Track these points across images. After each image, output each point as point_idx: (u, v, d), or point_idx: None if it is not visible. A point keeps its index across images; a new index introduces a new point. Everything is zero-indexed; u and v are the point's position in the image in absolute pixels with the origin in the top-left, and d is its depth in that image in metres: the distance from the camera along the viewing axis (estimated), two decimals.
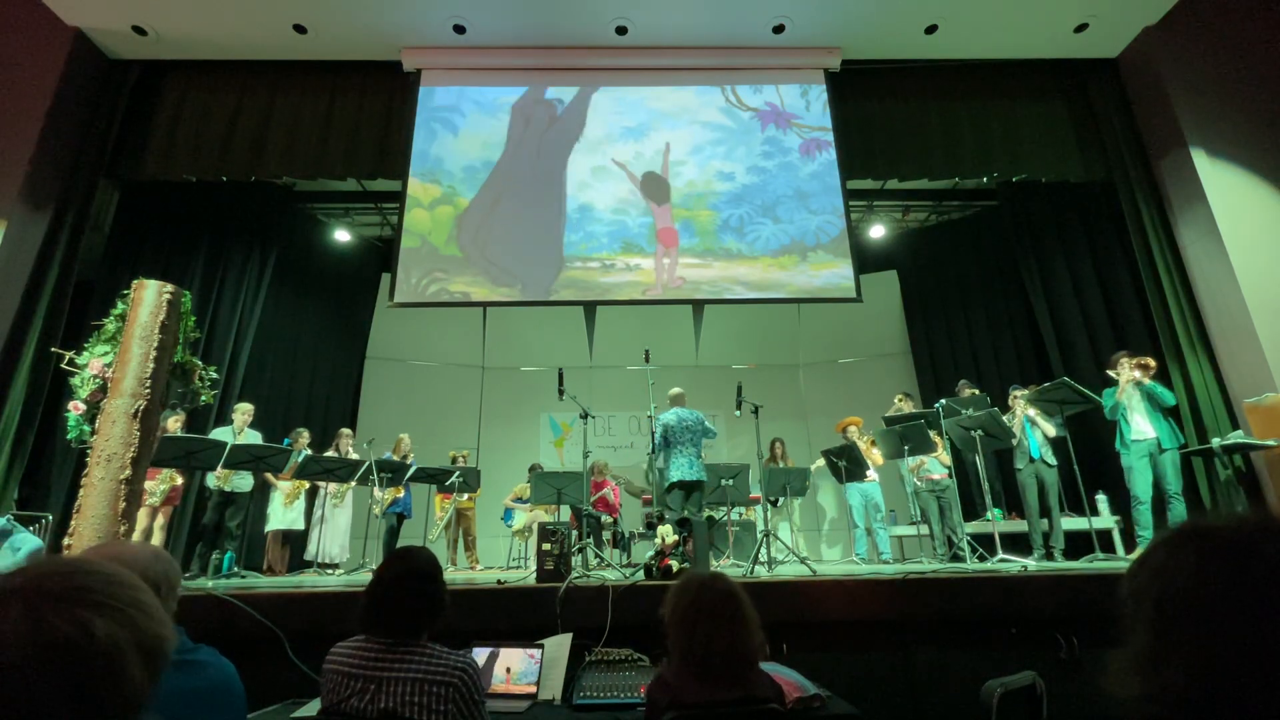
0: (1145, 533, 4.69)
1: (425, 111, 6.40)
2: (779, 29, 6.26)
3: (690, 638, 1.54)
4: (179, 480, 5.36)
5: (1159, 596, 0.59)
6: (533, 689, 2.29)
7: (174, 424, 5.22)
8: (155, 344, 3.29)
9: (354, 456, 5.98)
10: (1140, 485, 4.72)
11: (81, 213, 5.81)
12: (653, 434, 5.08)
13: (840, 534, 8.39)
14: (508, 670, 2.35)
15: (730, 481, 5.02)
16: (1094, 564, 4.25)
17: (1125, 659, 0.60)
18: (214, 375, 4.24)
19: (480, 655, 2.35)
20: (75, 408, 3.69)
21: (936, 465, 5.67)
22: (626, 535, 6.48)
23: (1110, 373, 5.04)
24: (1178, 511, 4.59)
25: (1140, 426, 4.82)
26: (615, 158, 6.33)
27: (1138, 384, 4.86)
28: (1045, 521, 5.22)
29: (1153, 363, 4.98)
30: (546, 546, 3.37)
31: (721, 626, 1.53)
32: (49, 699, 0.56)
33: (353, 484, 6.02)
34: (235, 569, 5.04)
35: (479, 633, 2.59)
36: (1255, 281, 5.26)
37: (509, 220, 6.17)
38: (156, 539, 5.22)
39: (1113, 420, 4.96)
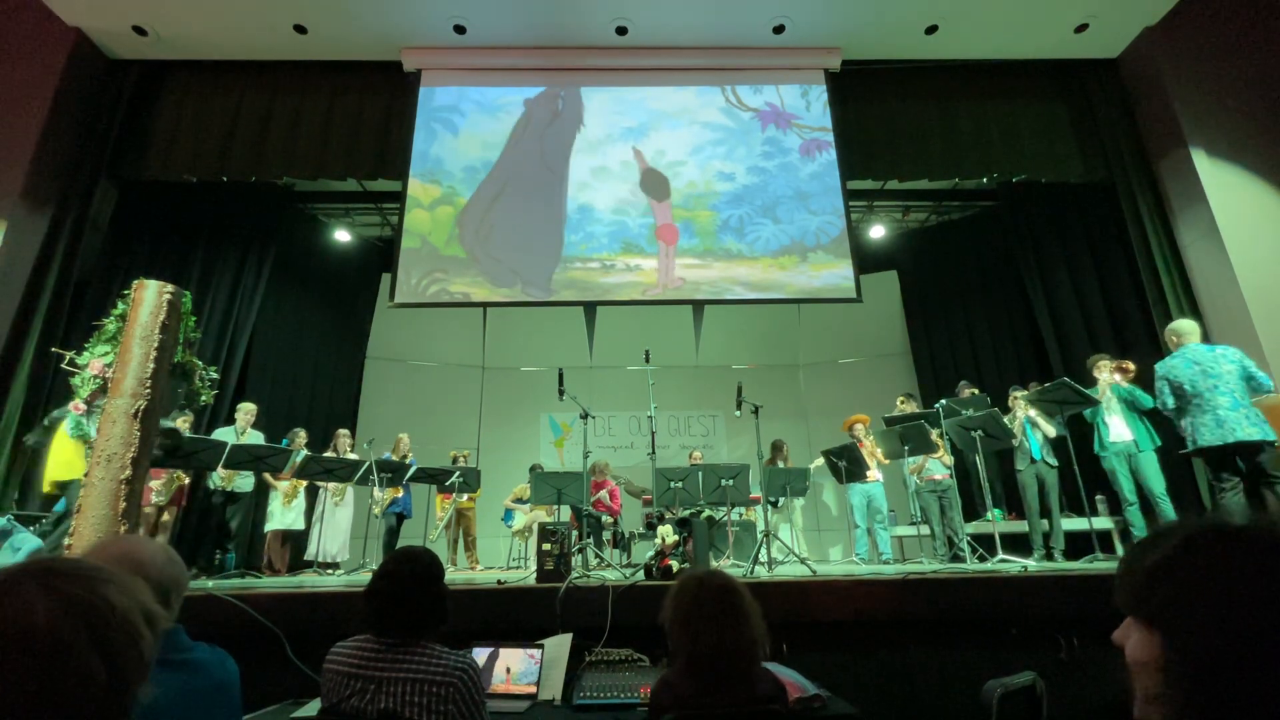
0: (1139, 533, 4.71)
1: (425, 112, 6.40)
2: (779, 29, 6.26)
3: (694, 639, 1.53)
4: (185, 480, 5.37)
5: (1181, 599, 0.59)
6: (533, 689, 2.29)
7: (181, 424, 5.22)
8: (155, 344, 3.29)
9: (353, 457, 5.98)
10: (1125, 487, 4.77)
11: (81, 213, 5.81)
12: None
13: (841, 534, 8.39)
14: (508, 670, 2.35)
15: (730, 481, 5.02)
16: (1094, 564, 4.24)
17: (1141, 650, 0.60)
18: (214, 375, 4.25)
19: (480, 655, 2.35)
20: (76, 408, 3.70)
21: (938, 466, 5.67)
22: (626, 535, 6.48)
23: (1096, 376, 5.03)
24: (1165, 512, 4.58)
25: (1118, 429, 4.84)
26: (624, 158, 6.28)
27: (1117, 386, 4.87)
28: (1045, 522, 5.22)
29: (1131, 366, 4.99)
30: (546, 546, 3.37)
31: (723, 623, 1.52)
32: (84, 656, 0.60)
33: (352, 483, 6.02)
34: (235, 569, 5.04)
35: (479, 633, 2.60)
36: (1255, 281, 5.26)
37: (509, 219, 6.17)
38: (160, 539, 5.22)
39: (1091, 423, 4.97)
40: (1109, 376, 4.94)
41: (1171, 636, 0.58)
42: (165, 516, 5.27)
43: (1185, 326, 4.41)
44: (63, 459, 4.20)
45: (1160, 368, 4.34)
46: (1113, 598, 0.66)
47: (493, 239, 6.08)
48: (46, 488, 4.23)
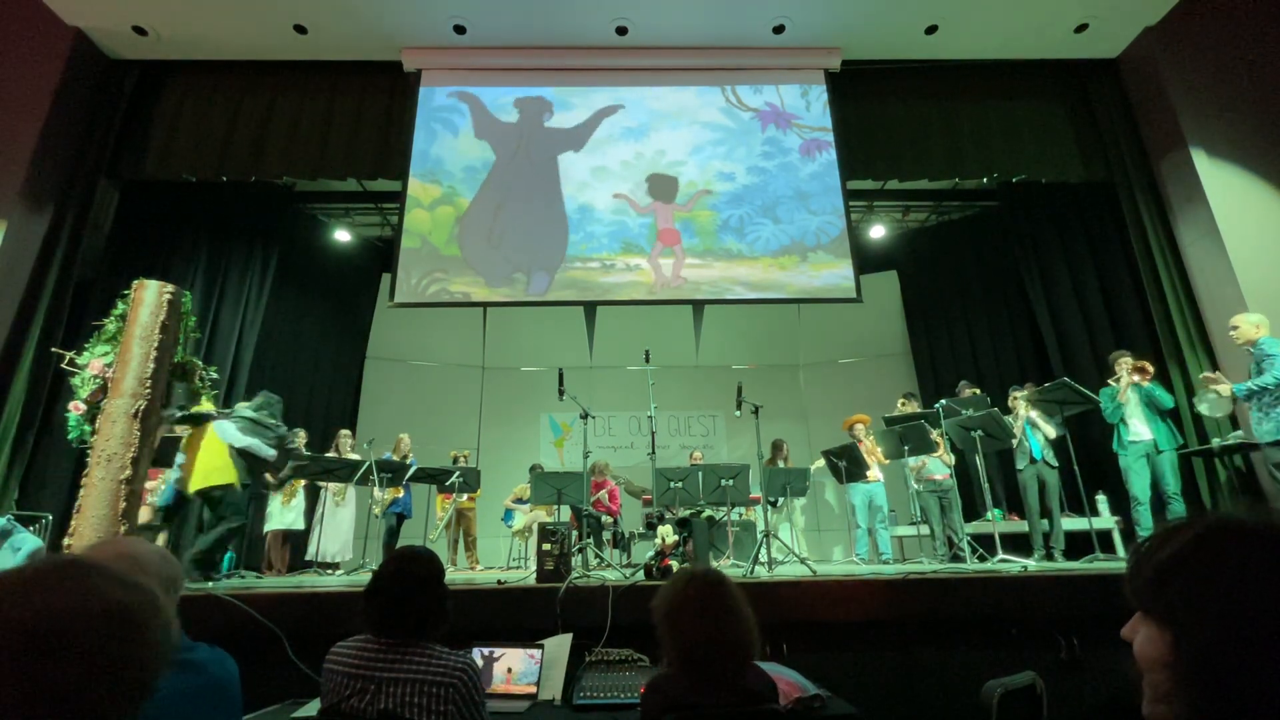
0: (1145, 533, 4.68)
1: (425, 112, 6.40)
2: (779, 29, 6.26)
3: (681, 633, 1.51)
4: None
5: (1192, 596, 0.58)
6: (533, 689, 2.29)
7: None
8: (155, 344, 3.29)
9: (354, 457, 5.98)
10: (1138, 486, 4.75)
11: (81, 213, 5.81)
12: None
13: (841, 534, 8.39)
14: (508, 670, 2.35)
15: (730, 481, 5.02)
16: (1094, 564, 4.24)
17: (1150, 647, 0.59)
18: (214, 375, 4.25)
19: (480, 655, 2.35)
20: (75, 408, 3.70)
21: (938, 466, 5.67)
22: (626, 535, 6.48)
23: (1111, 381, 5.04)
24: (1176, 512, 4.59)
25: (1138, 428, 4.83)
26: (617, 191, 6.26)
27: (1137, 386, 4.87)
28: (1045, 522, 5.22)
29: (1150, 366, 5.00)
30: (546, 546, 3.37)
31: (710, 617, 1.50)
32: (125, 654, 0.64)
33: (352, 483, 6.01)
34: (235, 569, 5.04)
35: (479, 633, 2.59)
36: (1255, 282, 5.26)
37: (508, 220, 6.17)
38: (159, 539, 5.21)
39: (1112, 422, 4.96)
40: (1129, 376, 4.94)
41: (1182, 634, 0.57)
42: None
43: (1262, 318, 4.49)
44: (216, 464, 4.37)
45: None
46: (1122, 591, 0.65)
47: (492, 239, 6.08)
48: (192, 488, 4.39)
